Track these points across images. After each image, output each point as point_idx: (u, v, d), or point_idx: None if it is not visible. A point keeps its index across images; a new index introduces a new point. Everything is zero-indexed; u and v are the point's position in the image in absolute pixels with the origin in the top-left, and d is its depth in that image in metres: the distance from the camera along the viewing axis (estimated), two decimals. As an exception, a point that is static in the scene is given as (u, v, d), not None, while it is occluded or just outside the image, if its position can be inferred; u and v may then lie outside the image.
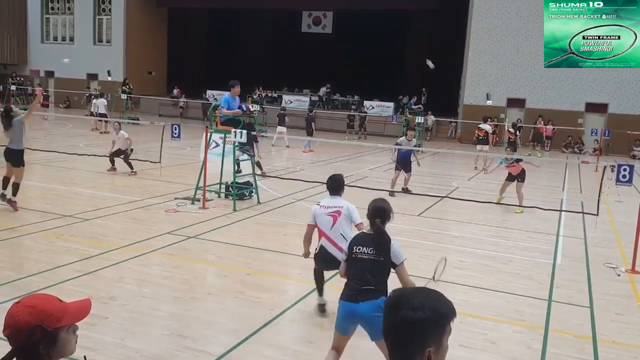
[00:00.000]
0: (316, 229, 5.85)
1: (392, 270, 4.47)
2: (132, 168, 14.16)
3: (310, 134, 22.22)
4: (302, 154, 21.11)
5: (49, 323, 1.91)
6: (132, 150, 14.47)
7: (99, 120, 23.46)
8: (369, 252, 4.44)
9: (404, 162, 13.64)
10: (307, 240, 5.97)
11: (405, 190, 13.53)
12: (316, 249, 5.93)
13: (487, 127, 19.41)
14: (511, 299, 7.01)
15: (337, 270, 5.05)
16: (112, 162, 14.47)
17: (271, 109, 32.01)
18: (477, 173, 18.12)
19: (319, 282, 6.15)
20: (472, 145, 21.71)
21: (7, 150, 9.77)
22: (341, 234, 5.65)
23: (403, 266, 4.46)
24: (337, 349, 4.56)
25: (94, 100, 25.40)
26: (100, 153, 16.22)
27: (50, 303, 1.96)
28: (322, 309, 6.12)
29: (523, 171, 12.60)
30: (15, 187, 9.79)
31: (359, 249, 4.48)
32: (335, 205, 5.78)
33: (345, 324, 4.48)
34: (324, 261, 5.87)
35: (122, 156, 14.29)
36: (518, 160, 12.58)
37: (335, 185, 5.92)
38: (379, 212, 4.52)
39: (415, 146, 14.03)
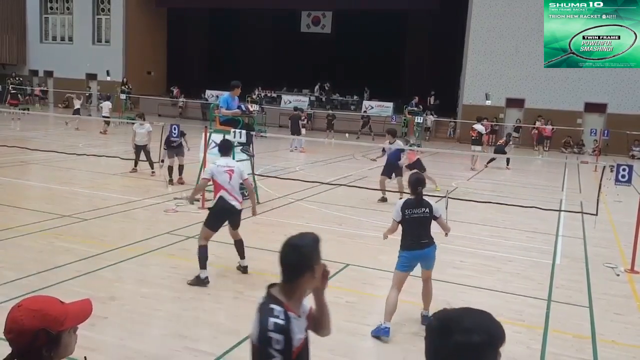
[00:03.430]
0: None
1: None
2: (152, 167, 13.98)
3: (296, 132, 21.89)
4: (301, 154, 21.12)
5: (54, 326, 1.90)
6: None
7: (104, 122, 23.53)
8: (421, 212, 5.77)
9: (391, 167, 12.52)
10: None
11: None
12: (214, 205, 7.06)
13: (479, 127, 19.43)
14: (510, 299, 7.01)
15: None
16: (137, 162, 14.31)
17: (270, 109, 32.01)
18: (476, 173, 18.13)
19: (203, 257, 6.82)
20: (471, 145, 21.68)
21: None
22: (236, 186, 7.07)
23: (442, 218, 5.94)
24: (399, 286, 5.79)
25: (103, 103, 25.67)
26: (100, 153, 16.22)
27: (53, 306, 1.94)
28: (206, 281, 6.79)
29: (416, 161, 13.03)
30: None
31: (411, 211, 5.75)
32: (228, 165, 7.14)
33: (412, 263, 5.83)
34: (220, 211, 7.04)
35: (145, 154, 14.02)
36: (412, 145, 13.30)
37: (227, 145, 7.48)
38: (420, 182, 5.86)
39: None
